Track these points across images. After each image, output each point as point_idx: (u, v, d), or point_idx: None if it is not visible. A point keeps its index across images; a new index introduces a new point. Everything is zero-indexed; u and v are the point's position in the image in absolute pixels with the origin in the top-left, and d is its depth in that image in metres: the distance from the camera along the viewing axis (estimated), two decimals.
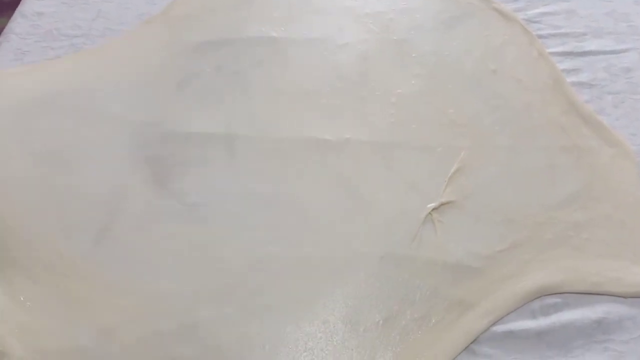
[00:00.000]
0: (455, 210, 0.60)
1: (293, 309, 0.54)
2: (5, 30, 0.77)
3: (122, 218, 0.60)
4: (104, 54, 0.75)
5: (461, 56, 0.73)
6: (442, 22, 0.76)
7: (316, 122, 0.68)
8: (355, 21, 0.78)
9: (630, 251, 0.56)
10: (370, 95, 0.70)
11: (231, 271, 0.56)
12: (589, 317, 0.52)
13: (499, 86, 0.70)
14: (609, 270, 0.55)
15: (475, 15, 0.77)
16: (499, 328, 0.52)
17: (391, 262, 0.56)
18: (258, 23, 0.78)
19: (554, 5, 0.78)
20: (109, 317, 0.53)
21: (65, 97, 0.70)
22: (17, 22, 0.78)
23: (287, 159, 0.65)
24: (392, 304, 0.53)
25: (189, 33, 0.77)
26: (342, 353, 0.51)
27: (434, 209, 0.60)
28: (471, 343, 0.51)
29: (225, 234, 0.59)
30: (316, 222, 0.59)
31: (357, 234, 0.58)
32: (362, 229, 0.59)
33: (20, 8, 0.80)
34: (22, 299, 0.54)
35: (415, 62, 0.73)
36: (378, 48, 0.75)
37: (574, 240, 0.57)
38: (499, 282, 0.55)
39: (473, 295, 0.54)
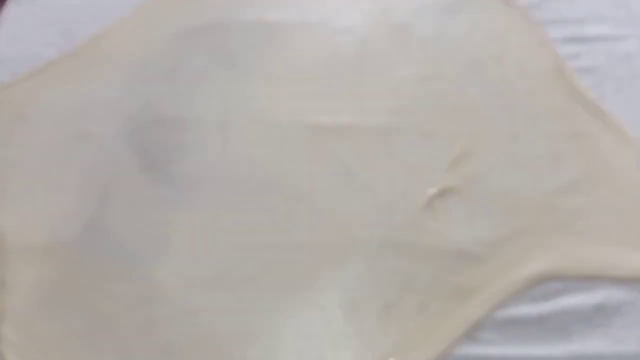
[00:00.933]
0: (456, 197, 0.59)
1: (290, 296, 0.53)
2: None
3: (113, 204, 0.59)
4: (99, 41, 0.74)
5: (462, 41, 0.72)
6: (443, 7, 0.75)
7: (313, 107, 0.67)
8: (353, 5, 0.76)
9: (631, 237, 0.56)
10: (368, 80, 0.69)
11: (226, 257, 0.56)
12: (588, 302, 0.52)
13: (500, 72, 0.69)
14: (609, 255, 0.55)
15: (476, 0, 0.76)
16: (500, 314, 0.52)
17: (390, 248, 0.55)
18: (253, 7, 0.76)
19: None
20: (101, 303, 0.53)
21: (61, 87, 0.69)
22: (10, 8, 0.77)
23: (283, 144, 0.64)
24: (392, 291, 0.53)
25: (183, 17, 0.76)
26: (340, 340, 0.51)
27: (434, 195, 0.59)
28: (472, 329, 0.51)
29: (219, 219, 0.58)
30: (313, 207, 0.59)
31: (356, 220, 0.58)
32: (361, 214, 0.58)
33: None
34: (11, 284, 0.54)
35: (415, 47, 0.72)
36: (377, 32, 0.74)
37: (575, 226, 0.57)
38: (500, 268, 0.54)
39: (474, 281, 0.53)
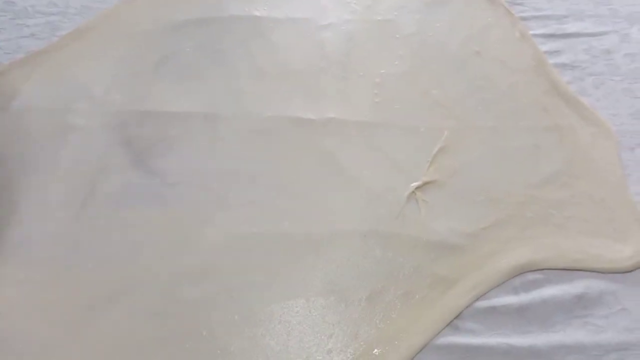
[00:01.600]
0: (439, 189, 0.60)
1: (276, 287, 0.53)
2: None
3: (100, 198, 0.59)
4: (84, 34, 0.73)
5: (445, 37, 0.73)
6: (426, 4, 0.76)
7: (299, 102, 0.67)
8: (338, 1, 0.77)
9: (611, 228, 0.57)
10: (353, 76, 0.70)
11: (212, 250, 0.56)
12: (569, 293, 0.53)
13: (483, 67, 0.70)
14: (589, 247, 0.55)
15: None
16: (482, 304, 0.52)
17: (374, 240, 0.56)
18: (241, 2, 0.77)
19: None
20: (89, 295, 0.52)
21: (46, 79, 0.69)
22: None
23: (269, 138, 0.64)
24: (376, 281, 0.53)
25: (170, 11, 0.76)
26: (324, 329, 0.51)
27: (418, 187, 0.60)
28: (454, 318, 0.51)
29: (206, 212, 0.58)
30: (299, 200, 0.59)
31: (341, 212, 0.58)
32: (346, 206, 0.58)
33: None
34: None
35: (399, 43, 0.73)
36: (361, 28, 0.74)
37: (556, 218, 0.58)
38: (482, 259, 0.55)
39: (456, 272, 0.54)
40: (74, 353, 0.49)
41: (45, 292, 0.53)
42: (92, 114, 0.66)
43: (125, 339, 0.50)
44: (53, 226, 0.57)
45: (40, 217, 0.57)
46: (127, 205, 0.58)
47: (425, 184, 0.60)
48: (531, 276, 0.54)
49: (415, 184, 0.60)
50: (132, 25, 0.74)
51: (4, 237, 0.56)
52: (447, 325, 0.51)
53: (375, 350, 0.49)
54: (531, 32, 0.73)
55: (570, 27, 0.74)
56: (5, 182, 0.60)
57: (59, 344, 0.50)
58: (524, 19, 0.75)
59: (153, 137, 0.64)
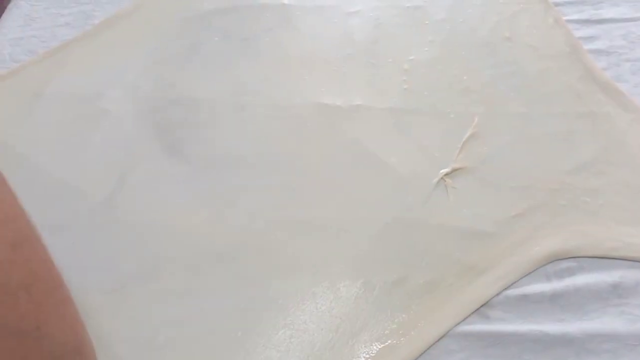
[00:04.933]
0: (468, 176, 0.59)
1: (300, 271, 0.53)
2: None
3: (132, 181, 0.60)
4: (116, 22, 0.75)
5: (475, 24, 0.72)
6: None
7: (326, 89, 0.67)
8: None
9: None
10: (381, 62, 0.69)
11: (239, 233, 0.56)
12: (604, 281, 0.51)
13: (514, 53, 0.68)
14: (625, 235, 0.54)
15: None
16: (513, 292, 0.51)
17: (401, 226, 0.55)
18: None
19: None
20: (117, 276, 0.53)
21: (79, 67, 0.70)
22: None
23: (296, 125, 0.64)
24: (402, 268, 0.53)
25: (199, 1, 0.76)
26: (351, 315, 0.50)
27: (447, 174, 0.59)
28: (484, 307, 0.50)
29: (233, 196, 0.58)
30: (326, 185, 0.59)
31: (367, 197, 0.58)
32: (372, 192, 0.58)
33: None
34: None
35: (428, 29, 0.72)
36: (390, 15, 0.74)
37: (590, 205, 0.56)
38: (513, 246, 0.54)
39: (486, 259, 0.53)
40: (103, 331, 0.50)
41: (75, 275, 0.54)
42: (123, 100, 0.67)
43: (154, 315, 0.51)
44: (84, 210, 0.58)
45: (71, 201, 0.59)
46: (156, 188, 0.59)
47: (455, 170, 0.59)
48: (564, 264, 0.52)
49: (444, 170, 0.59)
50: (162, 14, 0.76)
51: (33, 222, 0.57)
52: (477, 313, 0.50)
53: (401, 331, 0.49)
54: (565, 17, 0.71)
55: (606, 13, 0.72)
56: (37, 167, 0.61)
57: (88, 323, 0.51)
58: (557, 4, 0.73)
59: (182, 122, 0.65)
